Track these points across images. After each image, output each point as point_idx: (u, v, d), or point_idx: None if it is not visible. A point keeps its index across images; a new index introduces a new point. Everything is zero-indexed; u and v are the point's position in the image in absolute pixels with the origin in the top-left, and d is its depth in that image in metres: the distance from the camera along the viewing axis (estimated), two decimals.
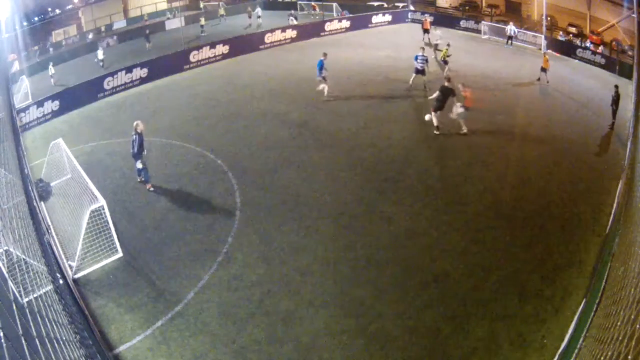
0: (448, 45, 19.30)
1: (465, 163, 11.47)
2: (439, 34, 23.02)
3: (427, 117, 13.28)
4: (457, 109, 12.84)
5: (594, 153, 12.15)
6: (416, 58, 16.35)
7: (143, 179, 11.00)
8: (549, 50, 22.92)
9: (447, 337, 6.48)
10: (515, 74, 18.90)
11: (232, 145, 13.01)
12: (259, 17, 31.11)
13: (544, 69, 17.88)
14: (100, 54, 24.42)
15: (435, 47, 21.77)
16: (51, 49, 31.81)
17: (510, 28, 24.16)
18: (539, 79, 18.09)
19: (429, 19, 26.28)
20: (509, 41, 24.13)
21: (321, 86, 16.07)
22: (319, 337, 6.60)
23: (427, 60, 16.49)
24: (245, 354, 6.38)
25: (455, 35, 26.37)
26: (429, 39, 23.70)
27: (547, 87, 17.24)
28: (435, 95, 12.87)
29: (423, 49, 16.83)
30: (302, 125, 14.05)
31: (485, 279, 7.57)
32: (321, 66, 15.71)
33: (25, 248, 5.72)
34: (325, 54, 16.01)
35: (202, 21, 31.47)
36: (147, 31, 29.28)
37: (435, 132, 13.01)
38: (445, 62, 18.89)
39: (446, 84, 12.69)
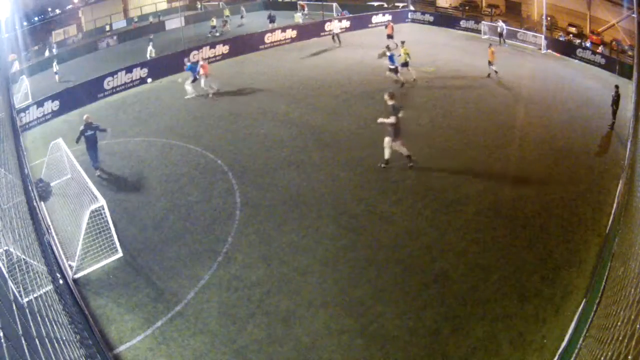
0: (403, 43, 17.78)
1: (465, 163, 11.46)
2: (337, 25, 24.26)
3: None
4: (202, 80, 16.61)
5: (594, 153, 12.14)
6: (392, 59, 16.53)
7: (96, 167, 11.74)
8: (549, 51, 22.93)
9: (447, 337, 6.48)
10: (515, 74, 18.89)
11: (232, 145, 13.01)
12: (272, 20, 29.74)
13: (490, 63, 18.06)
14: (151, 51, 22.98)
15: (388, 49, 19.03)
16: (56, 48, 31.67)
17: (501, 25, 24.14)
18: (489, 75, 18.20)
19: (392, 23, 24.95)
20: (501, 39, 24.12)
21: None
22: (319, 337, 6.60)
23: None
24: (245, 354, 6.39)
25: (455, 35, 26.39)
26: (396, 44, 21.94)
27: (544, 82, 17.26)
28: (391, 120, 10.50)
29: (393, 46, 16.83)
30: (302, 125, 14.05)
31: (485, 279, 7.57)
32: None
33: (25, 248, 5.72)
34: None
35: (213, 21, 30.34)
36: (152, 35, 27.47)
37: (382, 165, 11.18)
38: (406, 65, 17.23)
39: (392, 102, 10.59)
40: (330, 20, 27.89)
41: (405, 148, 10.93)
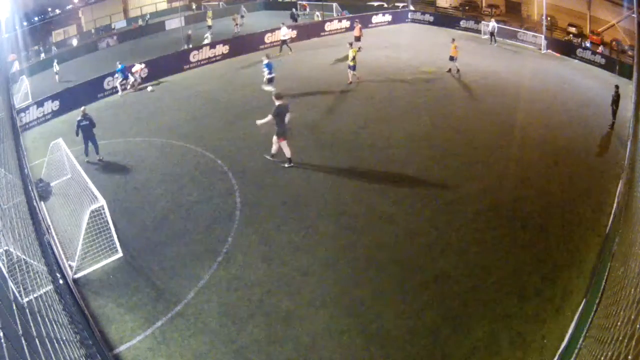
0: (351, 45, 17.47)
1: (465, 163, 11.47)
2: (285, 32, 22.91)
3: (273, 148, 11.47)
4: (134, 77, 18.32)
5: (594, 153, 12.15)
6: (269, 66, 16.10)
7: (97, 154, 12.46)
8: (549, 51, 22.93)
9: (447, 337, 6.48)
10: (515, 74, 18.91)
11: (232, 145, 13.00)
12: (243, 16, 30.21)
13: (452, 58, 18.23)
14: (283, 32, 22.78)
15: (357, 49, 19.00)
16: (64, 45, 31.68)
17: (492, 25, 24.17)
18: (449, 70, 18.40)
19: (359, 24, 23.39)
20: (492, 37, 24.15)
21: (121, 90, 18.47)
22: (319, 337, 6.60)
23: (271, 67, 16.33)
24: (245, 354, 6.39)
25: (455, 35, 26.37)
26: (359, 47, 21.25)
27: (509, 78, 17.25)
28: (267, 119, 10.98)
29: (268, 55, 16.61)
30: (301, 125, 14.03)
31: (485, 279, 7.57)
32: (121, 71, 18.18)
33: (25, 248, 5.72)
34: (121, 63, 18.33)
35: (210, 21, 30.02)
36: (189, 32, 27.41)
37: (285, 164, 11.43)
38: (353, 68, 17.11)
39: (278, 102, 10.97)
40: (330, 20, 27.75)
41: (276, 147, 11.38)
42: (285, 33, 23.06)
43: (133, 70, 18.74)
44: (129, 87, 18.60)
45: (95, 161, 12.40)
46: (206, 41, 23.74)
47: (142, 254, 8.62)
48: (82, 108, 12.46)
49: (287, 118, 11.05)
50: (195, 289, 7.65)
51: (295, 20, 28.97)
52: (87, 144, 12.25)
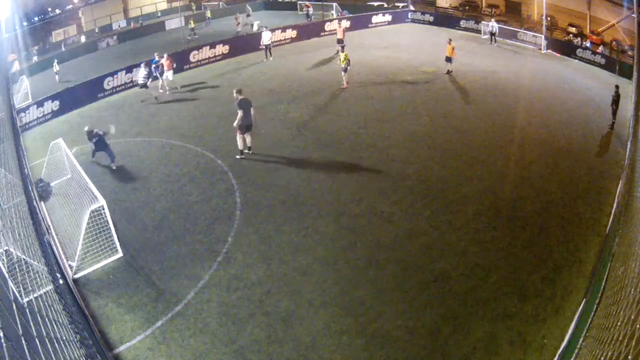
0: (341, 49, 17.21)
1: (465, 163, 11.47)
2: (268, 35, 21.95)
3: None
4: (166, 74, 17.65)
5: (594, 153, 12.15)
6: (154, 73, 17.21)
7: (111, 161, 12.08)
8: (549, 51, 22.93)
9: (447, 337, 6.48)
10: (515, 74, 18.91)
11: (232, 145, 12.98)
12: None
13: (449, 58, 18.17)
14: (266, 37, 22.12)
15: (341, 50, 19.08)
16: (63, 47, 31.76)
17: (492, 25, 24.12)
18: (448, 72, 18.37)
19: (342, 26, 22.42)
20: (492, 37, 24.10)
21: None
22: (319, 337, 6.60)
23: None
24: (245, 354, 6.39)
25: (455, 35, 26.38)
26: (343, 48, 20.15)
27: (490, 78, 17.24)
28: (239, 115, 11.35)
29: (159, 54, 17.54)
30: (302, 125, 14.04)
31: (485, 279, 7.57)
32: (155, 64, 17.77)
33: (25, 248, 5.72)
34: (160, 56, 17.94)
35: (192, 24, 31.21)
36: (254, 23, 27.73)
37: (238, 156, 11.98)
38: (345, 70, 16.96)
39: (240, 97, 11.37)
40: (330, 20, 27.75)
41: (241, 142, 11.91)
42: (268, 38, 22.21)
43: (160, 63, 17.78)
44: (149, 82, 17.75)
45: (100, 163, 12.23)
46: (255, 27, 24.85)
47: (142, 254, 8.62)
48: (85, 129, 12.01)
49: (252, 112, 11.56)
50: (195, 289, 7.65)
51: (310, 19, 29.56)
52: (99, 152, 12.02)
